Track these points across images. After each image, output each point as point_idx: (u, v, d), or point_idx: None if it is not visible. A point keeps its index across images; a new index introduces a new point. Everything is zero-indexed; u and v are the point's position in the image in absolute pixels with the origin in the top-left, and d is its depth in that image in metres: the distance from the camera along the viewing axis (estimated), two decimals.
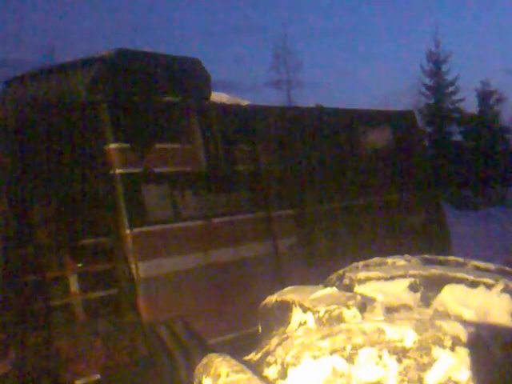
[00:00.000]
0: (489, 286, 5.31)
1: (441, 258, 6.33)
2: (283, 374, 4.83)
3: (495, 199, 38.21)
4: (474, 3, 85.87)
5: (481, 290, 5.31)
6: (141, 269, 7.58)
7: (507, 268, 6.08)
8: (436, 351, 4.61)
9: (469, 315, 5.18)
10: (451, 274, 5.45)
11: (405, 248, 7.95)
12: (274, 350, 5.07)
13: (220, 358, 5.20)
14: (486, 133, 42.24)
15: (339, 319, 5.07)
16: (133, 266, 7.55)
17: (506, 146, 43.69)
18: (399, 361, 4.61)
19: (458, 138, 44.22)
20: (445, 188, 35.65)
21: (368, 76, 77.45)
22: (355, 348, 4.69)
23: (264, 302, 5.94)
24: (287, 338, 5.16)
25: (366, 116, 12.00)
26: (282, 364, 4.86)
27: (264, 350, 5.32)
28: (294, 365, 4.79)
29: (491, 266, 6.04)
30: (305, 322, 5.26)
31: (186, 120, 8.42)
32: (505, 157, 42.48)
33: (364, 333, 4.73)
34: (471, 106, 44.65)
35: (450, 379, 4.55)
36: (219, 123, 8.77)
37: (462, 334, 4.67)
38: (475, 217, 30.38)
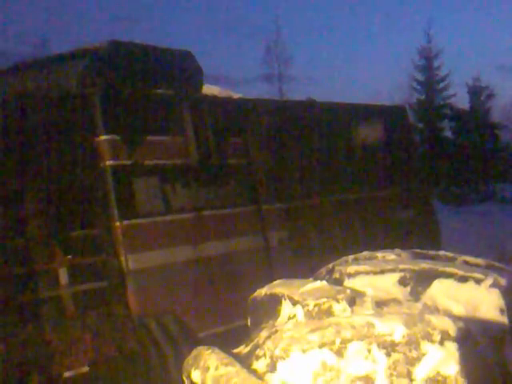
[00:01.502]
0: (478, 281, 5.32)
1: (431, 252, 6.34)
2: (272, 367, 4.84)
3: (486, 195, 38.31)
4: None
5: (470, 284, 5.33)
6: (130, 261, 7.57)
7: (496, 263, 6.10)
8: (425, 345, 4.62)
9: (458, 310, 5.19)
10: (441, 268, 5.47)
11: (395, 242, 7.96)
12: (263, 343, 5.07)
13: (209, 351, 5.20)
14: (477, 129, 42.32)
15: (328, 313, 5.07)
16: (122, 259, 7.54)
17: (497, 142, 43.78)
18: (388, 355, 4.62)
19: (449, 133, 44.29)
20: (435, 184, 35.73)
21: (360, 71, 77.52)
22: (344, 342, 4.69)
23: (254, 295, 5.94)
24: (276, 331, 5.16)
25: (357, 110, 11.99)
26: (271, 357, 4.86)
27: (253, 343, 5.32)
28: (283, 358, 4.79)
29: (480, 261, 6.05)
30: (294, 316, 5.26)
31: (177, 113, 8.41)
32: (495, 153, 42.61)
33: (353, 327, 4.74)
34: (462, 101, 44.75)
35: (438, 373, 4.56)
36: (210, 116, 8.76)
37: (451, 328, 4.68)
38: (465, 213, 30.45)
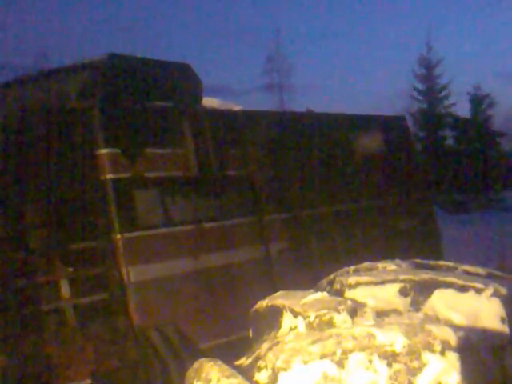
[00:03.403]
0: (478, 291, 5.33)
1: (431, 262, 6.35)
2: (274, 379, 4.85)
3: (488, 203, 38.29)
4: (466, 8, 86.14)
5: (471, 294, 5.33)
6: (132, 273, 7.58)
7: (497, 272, 6.11)
8: (426, 355, 4.62)
9: (458, 319, 5.19)
10: (441, 278, 5.47)
11: (396, 252, 7.97)
12: (265, 355, 5.08)
13: (211, 363, 5.21)
14: (479, 137, 42.34)
15: (330, 324, 5.08)
16: (124, 271, 7.54)
17: (498, 150, 43.79)
18: (389, 365, 4.63)
19: (450, 142, 44.31)
20: (437, 192, 35.72)
21: (360, 80, 77.55)
22: (345, 353, 4.70)
23: (255, 307, 5.95)
24: (278, 342, 5.17)
25: (357, 121, 12.02)
26: (273, 369, 4.87)
27: (255, 354, 5.33)
28: (285, 369, 4.80)
29: (481, 270, 6.06)
30: (295, 327, 5.27)
31: (177, 125, 8.42)
32: (497, 161, 42.60)
33: (354, 337, 4.75)
34: (464, 110, 44.75)
35: (439, 383, 4.57)
36: (210, 128, 8.77)
37: (452, 338, 4.69)
38: (468, 221, 30.44)
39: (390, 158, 12.13)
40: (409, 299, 5.37)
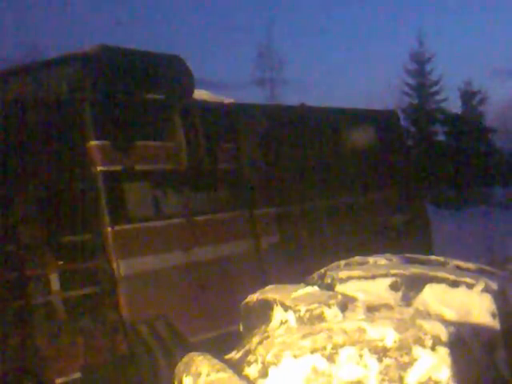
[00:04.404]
0: (470, 286, 5.32)
1: (422, 257, 6.33)
2: (264, 373, 4.83)
3: (479, 199, 38.35)
4: (458, 3, 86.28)
5: (462, 289, 5.32)
6: (122, 267, 7.56)
7: (488, 267, 6.10)
8: (416, 350, 4.61)
9: (449, 315, 5.18)
10: (432, 273, 5.46)
11: (387, 247, 7.96)
12: (255, 349, 5.07)
13: (201, 357, 5.19)
14: (470, 133, 42.40)
15: (320, 318, 5.06)
16: (114, 264, 7.53)
17: (490, 145, 43.87)
18: (380, 360, 4.61)
19: (441, 137, 44.36)
20: (428, 188, 35.76)
21: (352, 75, 77.60)
22: (336, 347, 4.69)
23: (246, 301, 5.93)
24: (268, 336, 5.15)
25: (349, 115, 12.02)
26: (263, 363, 4.86)
27: (245, 348, 5.31)
28: (275, 364, 4.79)
29: (472, 265, 6.05)
30: (286, 321, 5.25)
31: (168, 118, 8.40)
32: (488, 157, 42.70)
33: (345, 332, 4.74)
34: (455, 105, 44.80)
35: (430, 378, 4.56)
36: (202, 121, 8.75)
37: (443, 333, 4.67)
38: (459, 217, 30.47)
39: (382, 152, 12.15)
40: (400, 294, 5.35)
